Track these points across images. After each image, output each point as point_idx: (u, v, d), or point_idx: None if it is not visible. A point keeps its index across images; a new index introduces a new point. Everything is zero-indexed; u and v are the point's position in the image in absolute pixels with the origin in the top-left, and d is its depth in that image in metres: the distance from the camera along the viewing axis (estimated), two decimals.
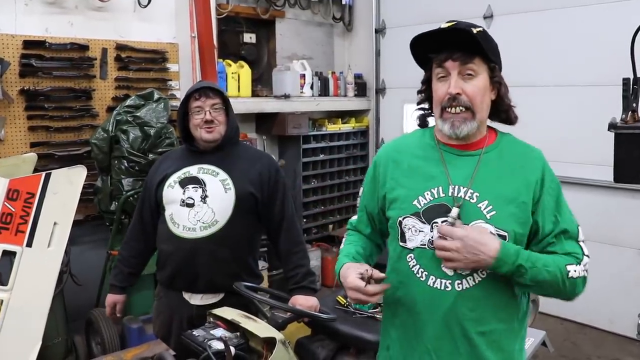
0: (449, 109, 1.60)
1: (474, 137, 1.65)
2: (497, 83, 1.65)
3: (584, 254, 1.61)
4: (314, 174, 5.59)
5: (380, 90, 6.02)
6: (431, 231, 1.61)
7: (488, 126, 1.71)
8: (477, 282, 1.58)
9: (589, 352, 4.17)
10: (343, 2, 5.88)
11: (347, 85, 5.90)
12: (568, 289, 1.59)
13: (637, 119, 2.34)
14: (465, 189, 1.60)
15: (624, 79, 2.36)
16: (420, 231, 1.64)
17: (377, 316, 3.01)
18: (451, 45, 1.57)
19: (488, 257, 1.51)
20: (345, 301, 3.13)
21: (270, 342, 2.02)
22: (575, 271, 1.57)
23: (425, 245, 1.63)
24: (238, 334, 2.11)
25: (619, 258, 4.24)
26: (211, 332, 2.11)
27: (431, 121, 1.77)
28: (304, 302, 2.42)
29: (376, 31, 5.91)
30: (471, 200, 1.60)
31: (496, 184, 1.60)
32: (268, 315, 2.39)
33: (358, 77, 5.99)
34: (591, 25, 4.27)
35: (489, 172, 1.62)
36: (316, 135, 5.54)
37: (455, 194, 1.61)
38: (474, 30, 1.55)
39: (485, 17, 4.86)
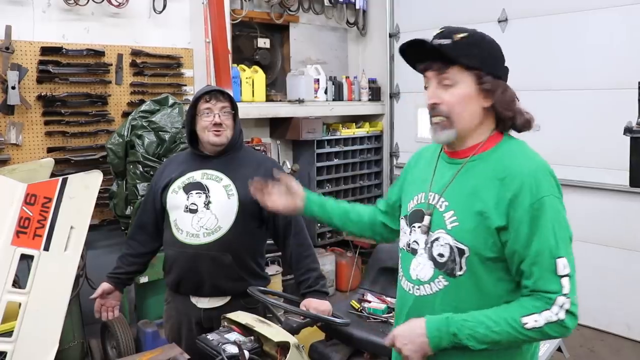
0: (432, 118, 1.62)
1: (462, 144, 1.63)
2: (485, 91, 1.57)
3: (562, 292, 1.46)
4: (328, 179, 5.59)
5: (394, 95, 6.01)
6: (409, 234, 1.69)
7: (500, 132, 1.64)
8: (433, 291, 1.60)
9: (606, 358, 4.12)
10: (357, 7, 5.89)
11: (361, 89, 5.90)
12: (536, 339, 1.51)
13: None
14: (438, 196, 1.62)
15: (639, 83, 2.34)
16: (404, 233, 1.73)
17: (391, 321, 3.01)
18: (432, 54, 1.57)
19: (422, 337, 1.51)
20: (359, 306, 3.14)
21: (284, 347, 2.03)
22: (536, 321, 1.45)
23: (404, 247, 1.72)
24: (252, 338, 2.12)
25: (636, 263, 4.18)
26: (225, 336, 2.12)
27: None
28: (317, 306, 2.42)
29: (390, 35, 5.91)
30: (440, 209, 1.61)
31: (467, 195, 1.56)
32: (282, 320, 2.40)
33: (372, 81, 5.99)
34: (607, 28, 4.24)
35: (465, 182, 1.59)
36: (330, 140, 5.54)
37: (430, 201, 1.63)
38: (457, 37, 1.54)
39: (499, 21, 4.84)
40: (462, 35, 1.55)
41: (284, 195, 1.99)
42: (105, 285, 2.60)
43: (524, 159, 1.56)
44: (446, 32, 1.56)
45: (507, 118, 1.60)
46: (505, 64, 1.63)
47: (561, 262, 1.47)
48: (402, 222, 1.75)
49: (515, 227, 1.49)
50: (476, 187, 1.56)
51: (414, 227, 1.67)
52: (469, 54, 1.55)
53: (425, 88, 1.66)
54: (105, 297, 2.61)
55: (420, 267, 1.63)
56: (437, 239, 1.59)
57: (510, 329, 1.46)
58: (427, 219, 1.62)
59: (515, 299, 1.54)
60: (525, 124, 1.62)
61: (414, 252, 1.66)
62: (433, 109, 1.60)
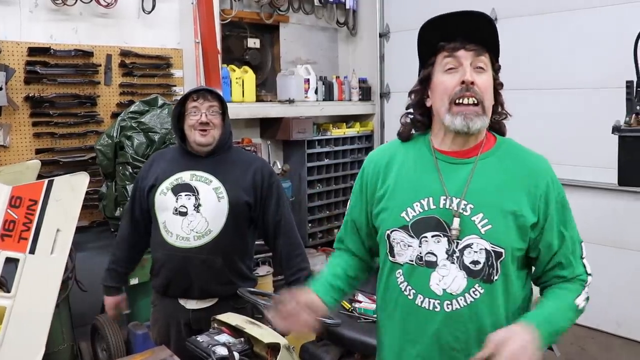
0: (461, 100, 1.47)
1: (475, 140, 1.55)
2: (499, 85, 1.57)
3: (587, 273, 1.56)
4: (319, 179, 5.58)
5: (384, 95, 6.01)
6: (419, 246, 1.52)
7: (487, 131, 1.59)
8: (468, 302, 1.48)
9: (596, 356, 4.14)
10: (347, 7, 5.87)
11: (352, 89, 5.89)
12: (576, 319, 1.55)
13: None
14: (458, 200, 1.49)
15: (627, 82, 2.35)
16: (409, 246, 1.54)
17: None
18: (463, 37, 1.49)
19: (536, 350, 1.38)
20: (350, 306, 3.13)
21: (274, 348, 2.02)
22: (583, 300, 1.53)
23: (413, 261, 1.53)
24: (242, 339, 2.11)
25: (626, 261, 4.20)
26: (215, 337, 2.12)
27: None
28: None
29: (380, 35, 5.91)
30: (464, 213, 1.49)
31: (493, 195, 1.49)
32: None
33: (362, 81, 5.98)
34: (596, 27, 4.26)
35: (486, 182, 1.50)
36: (321, 140, 5.53)
37: (448, 206, 1.50)
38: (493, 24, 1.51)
39: None
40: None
41: (306, 313, 1.64)
42: (112, 300, 2.69)
43: (533, 155, 1.59)
44: (483, 15, 1.49)
45: (501, 119, 1.61)
46: None
47: (582, 245, 1.58)
48: (399, 235, 1.56)
49: (550, 221, 1.51)
50: (500, 186, 1.50)
51: (424, 237, 1.51)
52: (497, 45, 1.54)
53: (422, 80, 1.59)
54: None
55: (449, 280, 1.49)
56: (469, 246, 1.48)
57: (573, 315, 1.52)
58: (456, 223, 1.48)
59: (526, 294, 1.58)
60: (505, 130, 1.65)
61: (430, 265, 1.51)
62: (467, 89, 1.47)
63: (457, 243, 1.49)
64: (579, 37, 4.37)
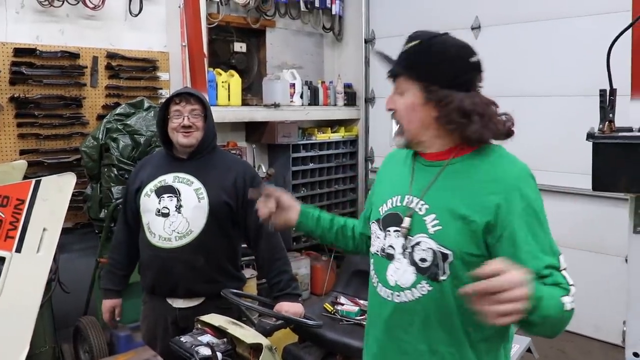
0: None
1: (431, 148, 1.60)
2: (432, 101, 1.53)
3: (568, 284, 1.42)
4: (304, 183, 5.60)
5: (369, 100, 6.07)
6: (384, 239, 1.64)
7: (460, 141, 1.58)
8: (415, 297, 1.54)
9: (575, 359, 4.21)
10: (333, 13, 5.93)
11: (337, 94, 5.94)
12: (562, 326, 1.41)
13: (614, 128, 2.40)
14: (417, 199, 1.57)
15: (600, 90, 2.42)
16: (377, 237, 1.67)
17: (364, 323, 3.04)
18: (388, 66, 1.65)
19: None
20: (332, 308, 3.17)
21: (257, 349, 2.05)
22: (569, 303, 1.37)
23: (379, 252, 1.65)
24: (225, 340, 2.13)
25: (603, 266, 4.28)
26: (198, 338, 2.14)
27: None
28: (289, 308, 2.44)
29: (366, 41, 5.97)
30: (419, 212, 1.55)
31: (449, 198, 1.52)
32: (255, 322, 2.41)
33: (348, 86, 6.03)
34: (577, 36, 4.35)
35: (447, 185, 1.55)
36: (306, 144, 5.56)
37: (408, 204, 1.58)
38: (408, 46, 1.58)
39: (473, 28, 4.92)
40: (413, 44, 1.57)
41: (277, 211, 1.89)
42: (109, 303, 2.73)
43: (506, 163, 1.54)
44: (408, 39, 1.59)
45: (453, 130, 1.53)
46: (473, 72, 1.56)
47: (562, 257, 1.47)
48: (374, 227, 1.69)
49: (510, 231, 1.44)
50: (458, 190, 1.52)
51: (388, 231, 1.62)
52: (414, 65, 1.57)
53: None
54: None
55: (400, 273, 1.57)
56: (418, 244, 1.54)
57: (559, 308, 1.35)
58: (407, 221, 1.55)
59: None
60: (486, 137, 1.53)
61: (389, 257, 1.61)
62: (392, 115, 1.66)
63: (410, 240, 1.56)
64: (561, 45, 4.45)
